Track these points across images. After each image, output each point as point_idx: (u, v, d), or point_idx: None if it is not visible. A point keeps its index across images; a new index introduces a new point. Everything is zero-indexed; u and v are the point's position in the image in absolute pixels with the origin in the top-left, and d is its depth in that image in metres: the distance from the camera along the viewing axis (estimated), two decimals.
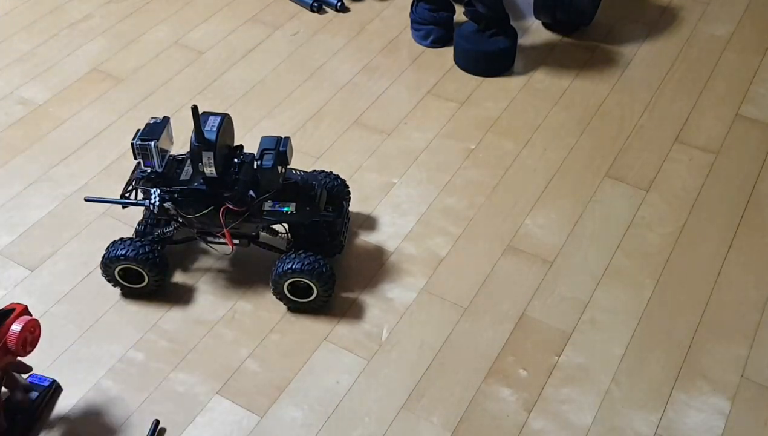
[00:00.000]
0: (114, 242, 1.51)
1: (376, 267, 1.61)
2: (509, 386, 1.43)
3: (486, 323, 1.52)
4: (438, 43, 2.16)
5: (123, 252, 1.49)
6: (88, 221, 1.71)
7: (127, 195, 1.53)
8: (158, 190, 1.47)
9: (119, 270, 1.51)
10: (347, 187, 1.64)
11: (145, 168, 1.48)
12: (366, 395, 1.42)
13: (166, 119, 1.49)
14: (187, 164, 1.50)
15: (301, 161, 1.83)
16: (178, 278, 1.59)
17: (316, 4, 2.27)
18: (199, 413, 1.39)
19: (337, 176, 1.62)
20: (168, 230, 1.55)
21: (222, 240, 1.51)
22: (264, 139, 1.46)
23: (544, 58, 2.13)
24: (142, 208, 1.58)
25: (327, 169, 1.63)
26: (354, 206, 1.72)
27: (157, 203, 1.47)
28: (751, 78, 2.06)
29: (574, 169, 1.82)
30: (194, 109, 1.37)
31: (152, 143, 1.44)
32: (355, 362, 1.46)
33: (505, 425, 1.38)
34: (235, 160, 1.48)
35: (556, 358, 1.47)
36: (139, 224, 1.59)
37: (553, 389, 1.42)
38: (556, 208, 1.73)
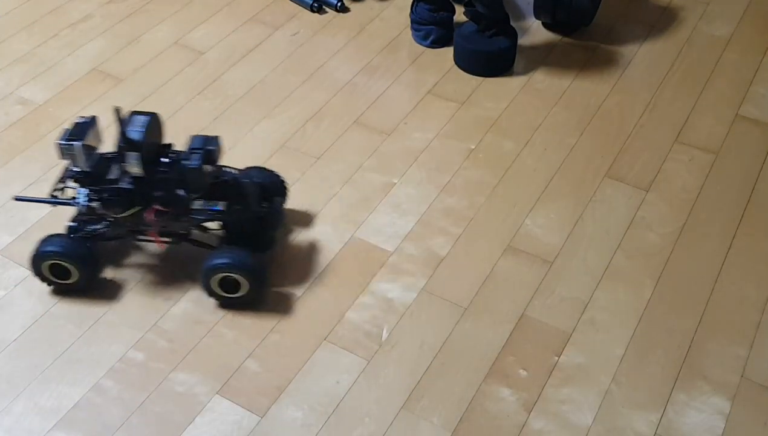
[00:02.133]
0: (44, 238, 1.51)
1: (377, 268, 1.61)
2: (509, 386, 1.43)
3: (486, 323, 1.52)
4: (438, 43, 2.16)
5: (53, 248, 1.48)
6: None
7: (55, 194, 1.53)
8: (85, 190, 1.47)
9: (48, 266, 1.51)
10: (285, 185, 1.66)
11: (72, 168, 1.47)
12: (366, 395, 1.42)
13: (93, 119, 1.49)
14: (112, 163, 1.50)
15: (300, 161, 1.84)
16: (177, 279, 1.59)
17: (316, 4, 2.27)
18: (199, 413, 1.39)
19: (273, 173, 1.64)
20: (100, 226, 1.55)
21: (152, 239, 1.52)
22: (194, 138, 1.47)
23: (544, 58, 2.13)
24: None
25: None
26: (353, 207, 1.72)
27: (84, 203, 1.47)
28: (751, 78, 2.06)
29: (574, 169, 1.82)
30: (116, 110, 1.38)
31: (77, 144, 1.42)
32: (355, 362, 1.46)
33: (505, 425, 1.38)
34: (164, 159, 1.47)
35: (556, 358, 1.47)
36: (71, 220, 1.57)
37: (553, 389, 1.42)
38: (556, 208, 1.73)
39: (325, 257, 1.63)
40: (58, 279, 1.53)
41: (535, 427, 1.37)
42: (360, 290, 1.58)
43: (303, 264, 1.62)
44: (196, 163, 1.43)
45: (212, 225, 1.58)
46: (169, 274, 1.60)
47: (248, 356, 1.47)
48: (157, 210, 1.45)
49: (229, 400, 1.41)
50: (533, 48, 2.17)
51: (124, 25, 2.24)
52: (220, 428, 1.38)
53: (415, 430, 1.37)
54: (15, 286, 1.59)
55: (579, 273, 1.60)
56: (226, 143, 1.88)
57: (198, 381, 1.44)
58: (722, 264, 1.62)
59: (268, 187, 1.62)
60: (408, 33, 2.21)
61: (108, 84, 2.06)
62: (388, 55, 2.14)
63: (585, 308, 1.54)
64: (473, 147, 1.88)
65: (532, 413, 1.39)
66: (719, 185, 1.78)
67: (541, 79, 2.07)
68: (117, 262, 1.62)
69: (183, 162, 1.44)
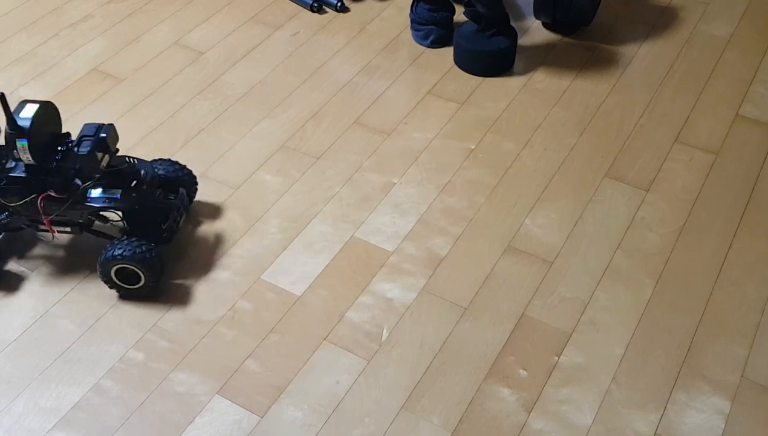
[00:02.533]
0: None
1: (377, 268, 1.61)
2: (509, 386, 1.43)
3: (486, 323, 1.52)
4: (438, 43, 2.16)
5: None
6: None
7: None
8: None
9: None
10: (194, 178, 1.68)
11: None
12: (366, 395, 1.42)
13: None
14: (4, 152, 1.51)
15: (300, 161, 1.84)
16: (177, 279, 1.59)
17: (316, 4, 2.27)
18: (199, 413, 1.39)
19: (183, 167, 1.65)
20: (1, 217, 1.55)
21: (46, 228, 1.52)
22: (85, 126, 1.47)
23: (544, 58, 2.13)
24: None
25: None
26: (353, 207, 1.72)
27: None
28: (751, 78, 2.06)
29: (574, 169, 1.82)
30: (1, 96, 1.38)
31: None
32: (355, 362, 1.46)
33: (505, 425, 1.38)
34: (60, 148, 1.47)
35: (556, 358, 1.47)
36: None
37: (553, 389, 1.42)
38: (556, 208, 1.73)
39: (325, 257, 1.63)
40: None
41: (535, 427, 1.37)
42: (360, 290, 1.58)
43: (303, 264, 1.62)
44: (85, 149, 1.43)
45: (114, 217, 1.59)
46: (169, 274, 1.60)
47: (248, 356, 1.47)
48: (49, 196, 1.45)
49: (229, 400, 1.41)
50: (533, 48, 2.17)
51: (124, 25, 2.24)
52: (220, 428, 1.38)
53: (415, 430, 1.37)
54: (15, 286, 1.59)
55: (579, 273, 1.60)
56: (225, 143, 1.89)
57: (198, 381, 1.44)
58: (722, 264, 1.62)
59: (171, 178, 1.62)
60: (408, 33, 2.21)
61: (108, 84, 2.06)
62: (388, 55, 2.14)
63: (585, 308, 1.54)
64: (473, 147, 1.88)
65: (532, 413, 1.39)
66: (719, 185, 1.78)
67: (541, 79, 2.07)
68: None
69: (73, 149, 1.45)
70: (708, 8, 2.29)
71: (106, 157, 1.47)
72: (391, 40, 2.19)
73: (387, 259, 1.63)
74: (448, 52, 2.14)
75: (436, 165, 1.83)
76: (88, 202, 1.49)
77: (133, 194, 1.50)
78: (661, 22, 2.25)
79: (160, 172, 1.61)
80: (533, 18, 2.20)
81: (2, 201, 1.49)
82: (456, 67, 2.10)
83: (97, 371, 1.45)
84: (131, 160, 1.55)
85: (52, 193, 1.46)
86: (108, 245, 1.50)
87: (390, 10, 2.29)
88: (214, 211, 1.73)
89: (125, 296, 1.55)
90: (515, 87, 2.04)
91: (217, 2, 2.32)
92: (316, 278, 1.60)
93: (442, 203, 1.74)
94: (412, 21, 2.18)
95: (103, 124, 1.47)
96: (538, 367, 1.45)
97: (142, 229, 1.55)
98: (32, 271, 1.61)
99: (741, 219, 1.71)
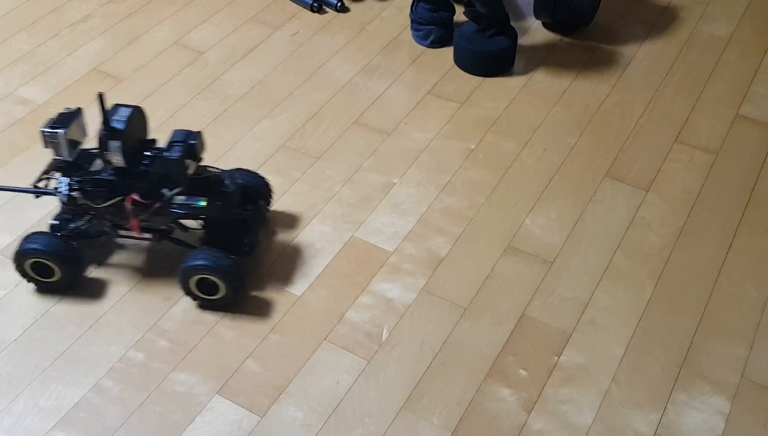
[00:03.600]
0: (27, 236, 1.51)
1: (377, 268, 1.61)
2: (509, 386, 1.43)
3: (486, 323, 1.52)
4: (438, 43, 2.16)
5: (35, 246, 1.48)
6: None
7: (39, 185, 1.53)
8: (67, 180, 1.47)
9: (30, 264, 1.50)
10: (270, 187, 1.65)
11: (56, 158, 1.48)
12: (366, 395, 1.42)
13: (79, 110, 1.49)
14: (94, 155, 1.51)
15: (300, 161, 1.84)
16: (177, 279, 1.59)
17: (316, 4, 2.27)
18: (199, 413, 1.39)
19: (258, 175, 1.63)
20: (81, 223, 1.55)
21: (134, 233, 1.51)
22: (175, 132, 1.47)
23: (544, 58, 2.13)
24: (58, 201, 1.58)
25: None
26: (353, 207, 1.72)
27: (66, 192, 1.47)
28: (751, 78, 2.06)
29: (574, 169, 1.82)
30: (100, 96, 1.38)
31: (61, 132, 1.43)
32: (355, 362, 1.46)
33: (505, 425, 1.38)
34: (148, 153, 1.47)
35: (556, 358, 1.47)
36: (54, 218, 1.58)
37: (553, 389, 1.42)
38: (556, 208, 1.73)
39: (325, 257, 1.63)
40: (41, 277, 1.53)
41: (535, 427, 1.37)
42: (360, 290, 1.58)
43: (303, 264, 1.62)
44: (176, 154, 1.43)
45: (194, 225, 1.58)
46: (169, 274, 1.60)
47: (248, 356, 1.47)
48: (135, 200, 1.45)
49: (229, 400, 1.41)
50: (533, 48, 2.17)
51: (124, 25, 2.24)
52: (220, 428, 1.38)
53: (415, 430, 1.37)
54: (15, 286, 1.59)
55: (579, 273, 1.60)
56: (225, 143, 1.89)
57: (198, 381, 1.44)
58: (722, 264, 1.62)
59: (251, 189, 1.61)
60: (408, 33, 2.21)
61: (108, 84, 2.06)
62: (388, 55, 2.14)
63: (585, 308, 1.54)
64: (473, 147, 1.88)
65: (532, 413, 1.39)
66: (719, 185, 1.78)
67: (541, 79, 2.07)
68: (115, 262, 1.62)
69: (164, 154, 1.44)
70: (708, 8, 2.29)
71: (193, 164, 1.47)
72: (391, 40, 2.19)
73: (387, 259, 1.63)
74: (448, 52, 2.14)
75: (436, 165, 1.83)
76: (173, 208, 1.47)
77: (218, 203, 1.49)
78: (661, 22, 2.25)
79: (240, 181, 1.59)
80: (533, 18, 2.20)
81: (88, 203, 1.48)
82: (456, 67, 2.10)
83: (97, 371, 1.45)
84: (214, 169, 1.55)
85: (138, 198, 1.45)
86: (189, 255, 1.48)
87: (390, 10, 2.29)
88: None
89: (204, 305, 1.53)
90: (515, 87, 2.04)
91: (217, 2, 2.32)
92: (316, 278, 1.60)
93: (442, 203, 1.74)
94: (412, 21, 2.18)
95: (192, 131, 1.46)
96: (538, 367, 1.45)
97: (222, 239, 1.54)
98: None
99: (741, 219, 1.71)
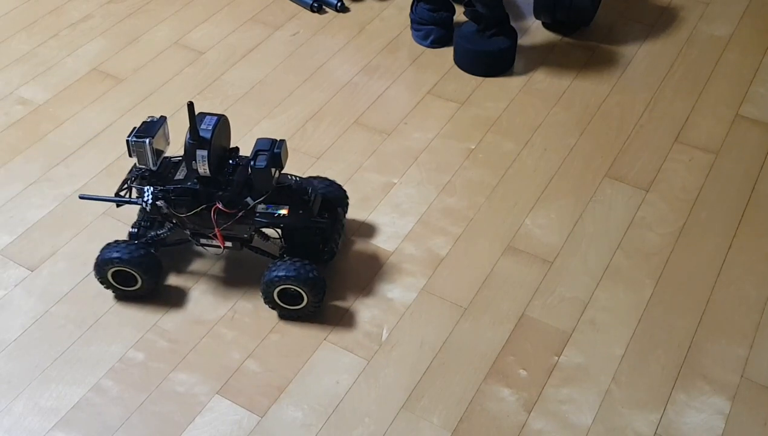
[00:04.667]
0: (107, 245, 1.51)
1: (377, 268, 1.61)
2: (509, 386, 1.43)
3: (486, 323, 1.52)
4: (438, 43, 2.16)
5: (116, 255, 1.48)
6: (88, 220, 1.71)
7: (122, 193, 1.53)
8: (152, 189, 1.47)
9: (112, 272, 1.51)
10: (346, 195, 1.64)
11: (140, 166, 1.48)
12: (366, 395, 1.42)
13: (162, 118, 1.49)
14: (182, 165, 1.50)
15: (300, 161, 1.83)
16: (177, 280, 1.59)
17: (316, 4, 2.27)
18: (199, 413, 1.39)
19: (333, 182, 1.62)
20: (162, 231, 1.55)
21: (215, 242, 1.51)
22: (259, 140, 1.46)
23: (544, 58, 2.13)
24: (138, 210, 1.59)
25: (325, 174, 1.63)
26: (353, 207, 1.72)
27: (150, 201, 1.46)
28: (751, 78, 2.06)
29: (574, 169, 1.82)
30: (190, 106, 1.37)
31: (147, 141, 1.44)
32: (355, 362, 1.46)
33: (505, 425, 1.38)
34: (230, 161, 1.47)
35: (556, 358, 1.47)
36: (133, 226, 1.58)
37: (553, 389, 1.42)
38: (556, 208, 1.73)
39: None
40: (122, 286, 1.52)
41: (535, 427, 1.37)
42: (360, 290, 1.58)
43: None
44: (262, 163, 1.42)
45: (272, 234, 1.56)
46: (169, 274, 1.60)
47: (248, 356, 1.47)
48: (220, 209, 1.44)
49: (229, 400, 1.41)
50: (533, 48, 2.17)
51: (124, 25, 2.24)
52: (220, 428, 1.38)
53: (415, 430, 1.37)
54: (15, 286, 1.59)
55: (579, 273, 1.60)
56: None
57: (198, 381, 1.44)
58: (722, 264, 1.62)
59: (328, 196, 1.59)
60: (408, 33, 2.21)
61: (108, 84, 2.06)
62: (388, 55, 2.14)
63: (585, 308, 1.54)
64: (473, 147, 1.88)
65: (532, 413, 1.39)
66: (719, 185, 1.78)
67: (541, 79, 2.07)
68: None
69: (250, 163, 1.43)
70: (708, 8, 2.29)
71: (277, 172, 1.46)
72: (391, 40, 2.19)
73: (387, 259, 1.63)
74: (448, 52, 2.14)
75: (436, 165, 1.83)
76: (256, 217, 1.46)
77: (300, 212, 1.47)
78: (661, 22, 2.25)
79: (317, 189, 1.57)
80: (533, 18, 2.20)
81: (171, 211, 1.47)
82: (456, 67, 2.10)
83: (97, 371, 1.45)
84: (292, 177, 1.54)
85: (222, 207, 1.44)
86: (271, 265, 1.47)
87: (390, 10, 2.29)
88: None
89: (285, 316, 1.52)
90: (515, 87, 2.04)
91: (217, 2, 2.32)
92: None
93: (442, 203, 1.74)
94: (412, 21, 2.18)
95: (277, 140, 1.45)
96: (538, 367, 1.45)
97: (302, 248, 1.52)
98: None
99: (741, 219, 1.71)
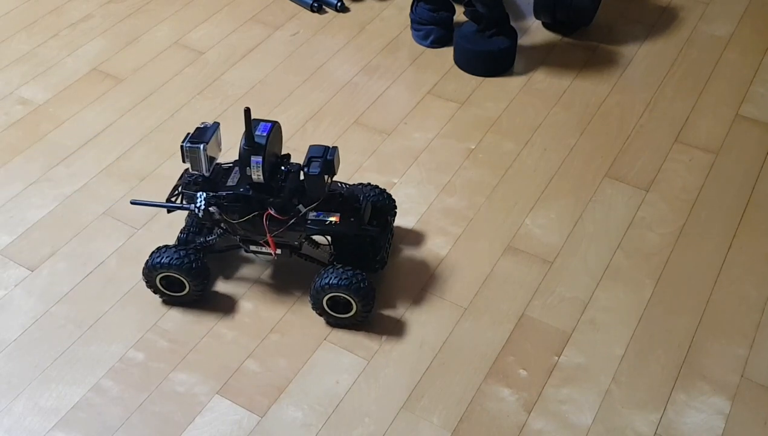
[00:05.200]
0: (157, 250, 1.50)
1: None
2: (509, 386, 1.43)
3: (486, 323, 1.52)
4: (438, 43, 2.16)
5: (166, 260, 1.47)
6: (88, 220, 1.71)
7: (172, 199, 1.52)
8: (204, 194, 1.45)
9: (160, 278, 1.49)
10: (393, 202, 1.62)
11: (192, 172, 1.47)
12: (366, 395, 1.42)
13: (215, 125, 1.48)
14: (233, 171, 1.49)
15: (300, 161, 1.83)
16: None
17: (316, 4, 2.27)
18: (199, 413, 1.39)
19: (383, 190, 1.60)
20: (211, 238, 1.53)
21: (265, 249, 1.50)
22: (311, 147, 1.45)
23: (544, 58, 2.13)
24: (185, 214, 1.58)
25: (372, 182, 1.62)
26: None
27: (203, 207, 1.45)
28: (751, 78, 2.06)
29: (574, 169, 1.82)
30: (247, 111, 1.37)
31: (201, 146, 1.43)
32: (355, 362, 1.46)
33: (505, 425, 1.38)
34: (282, 168, 1.47)
35: (556, 358, 1.47)
36: (181, 232, 1.57)
37: (553, 389, 1.42)
38: (556, 208, 1.73)
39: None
40: (169, 291, 1.52)
41: (535, 427, 1.37)
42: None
43: (302, 265, 1.62)
44: (316, 170, 1.41)
45: (321, 241, 1.55)
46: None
47: (248, 356, 1.47)
48: (271, 215, 1.43)
49: (229, 400, 1.41)
50: (533, 48, 2.17)
51: (124, 25, 2.24)
52: (220, 428, 1.38)
53: (415, 430, 1.37)
54: (15, 286, 1.59)
55: (579, 273, 1.60)
56: (225, 143, 1.88)
57: (198, 381, 1.44)
58: (722, 264, 1.62)
59: (378, 204, 1.58)
60: (408, 33, 2.21)
61: (108, 84, 2.06)
62: (388, 55, 2.14)
63: (585, 308, 1.54)
64: (473, 147, 1.88)
65: (532, 413, 1.39)
66: (719, 185, 1.78)
67: (541, 79, 2.07)
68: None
69: (303, 169, 1.42)
70: (708, 8, 2.29)
71: (329, 180, 1.45)
72: (391, 40, 2.19)
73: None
74: (448, 52, 2.14)
75: (436, 165, 1.83)
76: (308, 224, 1.45)
77: (351, 220, 1.46)
78: (661, 22, 2.25)
79: (367, 196, 1.56)
80: (533, 18, 2.20)
81: (223, 217, 1.46)
82: (456, 67, 2.10)
83: (97, 371, 1.45)
84: (342, 184, 1.54)
85: (273, 213, 1.43)
86: (322, 273, 1.46)
87: (390, 10, 2.29)
88: None
89: (333, 323, 1.51)
90: (515, 87, 2.04)
91: (217, 2, 2.32)
92: None
93: (442, 203, 1.74)
94: (412, 21, 2.18)
95: (329, 147, 1.45)
96: (538, 367, 1.45)
97: (351, 256, 1.50)
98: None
99: (741, 219, 1.71)
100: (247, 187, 1.45)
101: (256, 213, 1.44)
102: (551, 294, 1.57)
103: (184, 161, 1.45)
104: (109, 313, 1.54)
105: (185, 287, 1.50)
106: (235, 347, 1.49)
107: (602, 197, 1.76)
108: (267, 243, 1.47)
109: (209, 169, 1.47)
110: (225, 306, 1.55)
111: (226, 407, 1.40)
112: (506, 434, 1.37)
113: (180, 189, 1.52)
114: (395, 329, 1.51)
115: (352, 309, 1.47)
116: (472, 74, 2.07)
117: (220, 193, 1.46)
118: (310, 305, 1.50)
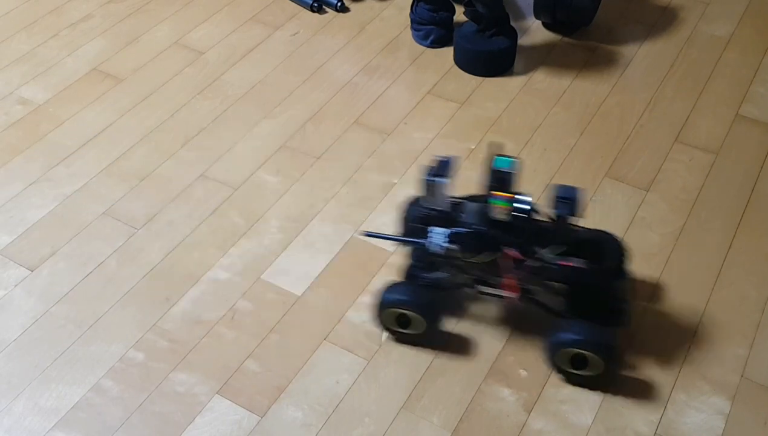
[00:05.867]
0: (389, 286, 1.43)
1: (377, 267, 1.61)
2: (509, 386, 1.43)
3: (486, 323, 1.52)
4: (438, 43, 2.16)
5: (400, 297, 1.41)
6: (88, 220, 1.71)
7: (402, 232, 1.47)
8: (446, 231, 1.37)
9: (393, 315, 1.43)
10: (626, 250, 1.45)
11: (429, 206, 1.40)
12: (366, 395, 1.42)
13: (453, 158, 1.41)
14: (464, 206, 1.40)
15: (300, 161, 1.83)
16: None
17: (316, 4, 2.27)
18: (199, 413, 1.39)
19: (614, 236, 1.48)
20: (442, 274, 1.45)
21: (499, 291, 1.41)
22: (558, 187, 1.36)
23: (544, 58, 2.13)
24: (409, 248, 1.51)
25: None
26: (353, 206, 1.72)
27: (442, 244, 1.36)
28: (751, 78, 2.06)
29: (574, 170, 1.82)
30: (493, 147, 1.29)
31: (445, 181, 1.37)
32: (355, 362, 1.46)
33: (505, 425, 1.38)
34: (521, 206, 1.35)
35: None
36: (410, 270, 1.49)
37: (553, 389, 1.42)
38: None
39: (325, 257, 1.63)
40: (402, 328, 1.45)
41: (535, 427, 1.37)
42: (360, 290, 1.58)
43: (303, 264, 1.62)
44: (564, 211, 1.32)
45: (559, 287, 1.45)
46: (169, 274, 1.60)
47: (248, 356, 1.47)
48: (514, 257, 1.34)
49: (229, 400, 1.41)
50: (533, 48, 2.17)
51: (124, 25, 2.24)
52: (220, 428, 1.38)
53: (415, 430, 1.37)
54: (15, 286, 1.59)
55: None
56: (226, 143, 1.89)
57: (198, 381, 1.44)
58: (722, 264, 1.62)
59: (614, 251, 1.44)
60: (408, 33, 2.21)
61: (108, 84, 2.06)
62: (388, 55, 2.14)
63: None
64: (473, 147, 1.88)
65: (532, 413, 1.39)
66: (719, 185, 1.78)
67: (541, 79, 2.07)
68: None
69: (551, 210, 1.33)
70: (708, 8, 2.29)
71: (574, 222, 1.35)
72: (391, 40, 2.19)
73: (387, 259, 1.63)
74: (448, 52, 2.14)
75: None
76: (550, 268, 1.35)
77: (597, 267, 1.35)
78: (661, 22, 2.25)
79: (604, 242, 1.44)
80: (533, 18, 2.20)
81: (462, 256, 1.37)
82: (456, 67, 2.10)
83: (97, 371, 1.45)
84: (580, 228, 1.42)
85: (517, 254, 1.34)
86: (561, 325, 1.36)
87: (390, 10, 2.29)
88: (213, 211, 1.73)
89: (574, 381, 1.41)
90: (515, 87, 2.04)
91: (217, 2, 2.32)
92: (316, 278, 1.60)
93: None
94: (412, 21, 2.18)
95: (575, 188, 1.34)
96: (538, 367, 1.45)
97: (591, 307, 1.39)
98: (32, 270, 1.60)
99: (741, 219, 1.71)
100: (488, 225, 1.35)
101: (498, 253, 1.35)
102: None
103: (423, 195, 1.40)
104: (109, 313, 1.54)
105: (420, 324, 1.43)
106: (235, 347, 1.49)
107: (602, 197, 1.76)
108: (503, 285, 1.38)
109: (448, 205, 1.39)
110: (225, 306, 1.55)
111: (226, 407, 1.40)
112: (506, 434, 1.37)
113: (411, 222, 1.45)
114: None
115: (593, 367, 1.37)
116: (472, 74, 2.07)
117: (460, 229, 1.36)
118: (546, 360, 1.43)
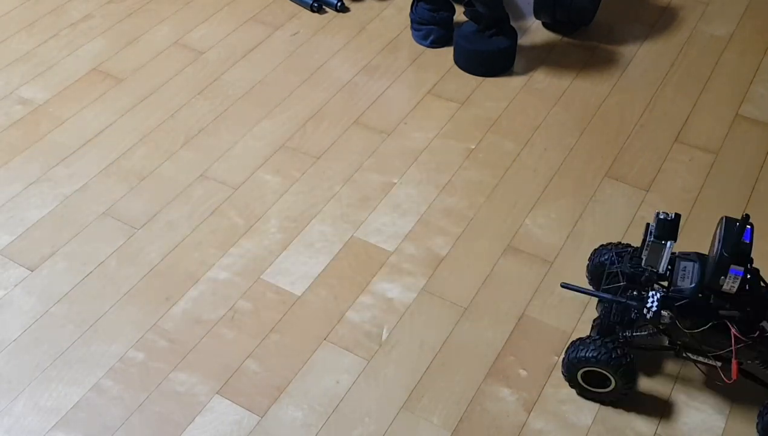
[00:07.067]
0: (578, 342, 1.36)
1: (377, 267, 1.61)
2: (509, 386, 1.43)
3: (486, 323, 1.52)
4: (438, 43, 2.16)
5: (591, 354, 1.33)
6: (88, 221, 1.71)
7: (605, 288, 1.40)
8: (659, 296, 1.29)
9: (583, 372, 1.37)
10: None
11: (646, 267, 1.33)
12: (366, 395, 1.42)
13: (678, 216, 1.32)
14: (681, 268, 1.32)
15: (300, 161, 1.83)
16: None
17: (316, 4, 2.27)
18: (199, 413, 1.39)
19: None
20: (640, 334, 1.37)
21: (707, 360, 1.35)
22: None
23: (544, 58, 2.13)
24: (598, 302, 1.47)
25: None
26: (353, 206, 1.72)
27: (655, 310, 1.28)
28: (751, 78, 2.06)
29: (574, 169, 1.82)
30: (745, 219, 1.19)
31: (669, 244, 1.30)
32: (355, 362, 1.46)
33: (505, 425, 1.38)
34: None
35: (556, 358, 1.47)
36: (596, 321, 1.43)
37: (553, 389, 1.42)
38: (556, 208, 1.73)
39: (325, 257, 1.63)
40: (591, 387, 1.39)
41: (535, 427, 1.37)
42: (360, 290, 1.58)
43: (303, 264, 1.62)
44: None
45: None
46: (169, 274, 1.60)
47: (248, 356, 1.47)
48: (735, 335, 1.25)
49: (229, 400, 1.41)
50: (533, 48, 2.17)
51: (124, 25, 2.24)
52: (220, 428, 1.38)
53: (415, 430, 1.37)
54: (15, 286, 1.59)
55: (579, 273, 1.60)
56: (226, 143, 1.89)
57: (198, 381, 1.44)
58: None
59: None
60: (408, 33, 2.21)
61: (108, 84, 2.06)
62: (388, 55, 2.14)
63: (585, 308, 1.54)
64: (473, 147, 1.88)
65: (532, 413, 1.39)
66: (719, 185, 1.78)
67: (541, 79, 2.07)
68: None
69: None
70: (708, 8, 2.29)
71: None
72: (391, 40, 2.19)
73: (387, 259, 1.63)
74: (448, 52, 2.14)
75: (436, 165, 1.83)
76: None
77: None
78: (661, 22, 2.25)
79: None
80: (533, 18, 2.20)
81: (676, 324, 1.29)
82: (456, 67, 2.10)
83: (97, 371, 1.45)
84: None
85: (736, 332, 1.25)
86: None
87: (390, 10, 2.29)
88: (212, 211, 1.73)
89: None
90: (515, 87, 2.04)
91: (217, 2, 2.32)
92: (316, 277, 1.60)
93: (442, 203, 1.74)
94: (412, 21, 2.18)
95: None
96: (538, 367, 1.45)
97: None
98: (32, 270, 1.60)
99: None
100: (707, 294, 1.27)
101: (713, 323, 1.27)
102: (551, 294, 1.57)
103: (641, 252, 1.36)
104: (109, 313, 1.54)
105: (611, 383, 1.36)
106: (235, 347, 1.49)
107: (602, 197, 1.76)
108: (715, 358, 1.32)
109: (666, 268, 1.32)
110: (225, 306, 1.55)
111: (226, 407, 1.40)
112: (506, 434, 1.37)
113: (620, 280, 1.38)
114: (395, 328, 1.51)
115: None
116: (472, 74, 2.07)
117: (674, 295, 1.29)
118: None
